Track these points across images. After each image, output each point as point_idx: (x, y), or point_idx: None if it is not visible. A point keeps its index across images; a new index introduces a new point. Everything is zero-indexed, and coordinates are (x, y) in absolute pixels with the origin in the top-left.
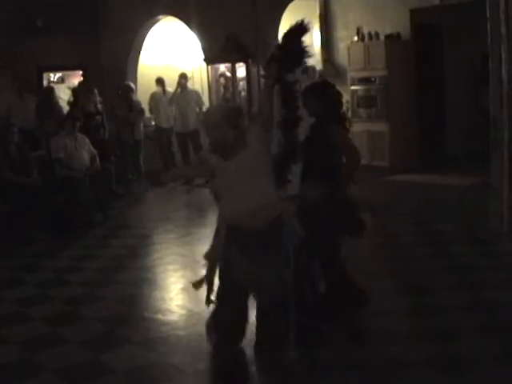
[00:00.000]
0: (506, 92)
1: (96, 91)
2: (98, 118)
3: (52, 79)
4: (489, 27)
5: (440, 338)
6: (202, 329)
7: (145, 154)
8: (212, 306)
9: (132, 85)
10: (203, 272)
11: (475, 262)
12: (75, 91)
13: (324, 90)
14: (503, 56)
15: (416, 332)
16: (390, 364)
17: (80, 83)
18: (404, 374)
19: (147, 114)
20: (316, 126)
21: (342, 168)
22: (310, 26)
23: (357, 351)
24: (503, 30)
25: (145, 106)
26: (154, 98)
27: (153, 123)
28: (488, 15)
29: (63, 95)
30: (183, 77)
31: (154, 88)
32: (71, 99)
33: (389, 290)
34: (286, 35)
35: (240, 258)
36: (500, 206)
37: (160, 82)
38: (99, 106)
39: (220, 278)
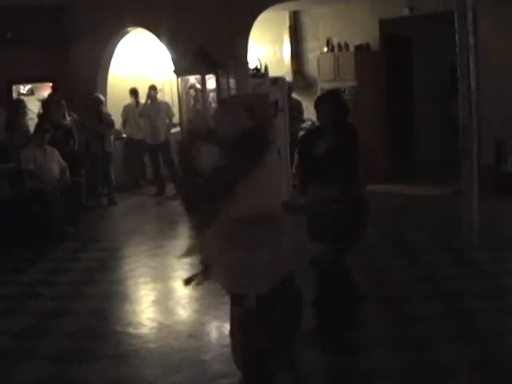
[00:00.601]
0: (474, 102)
1: (64, 103)
2: (66, 124)
3: (22, 91)
4: (457, 38)
5: (414, 347)
6: (173, 342)
7: (115, 166)
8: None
9: (102, 97)
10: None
11: (448, 270)
12: (44, 103)
13: (337, 98)
14: (471, 66)
15: (390, 341)
16: (364, 374)
17: (49, 95)
18: (379, 383)
19: (119, 126)
20: (337, 133)
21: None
22: None
23: (332, 362)
24: (471, 40)
25: (115, 117)
26: (126, 109)
27: (123, 135)
28: (456, 26)
29: (33, 107)
30: (153, 88)
31: (124, 99)
32: (41, 111)
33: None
34: None
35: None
36: (470, 215)
37: (133, 93)
38: (68, 118)
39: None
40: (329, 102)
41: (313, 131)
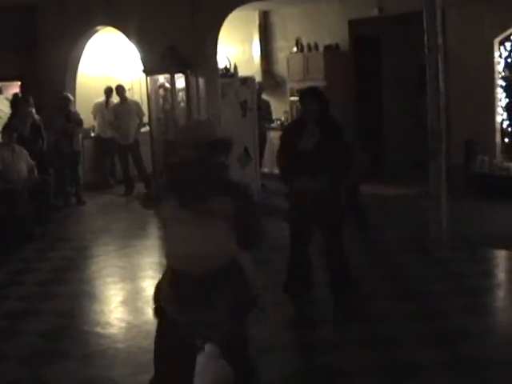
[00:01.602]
0: (443, 102)
1: (32, 102)
2: (36, 121)
3: None
4: (426, 38)
5: (382, 345)
6: (142, 341)
7: (84, 165)
8: None
9: (70, 96)
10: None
11: (416, 270)
12: (12, 102)
13: (321, 93)
14: (440, 67)
15: (357, 340)
16: (331, 372)
17: (15, 94)
18: (346, 380)
19: (88, 125)
20: (325, 127)
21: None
22: None
23: (299, 359)
24: (440, 40)
25: (84, 116)
26: (96, 107)
27: (92, 134)
28: (425, 26)
29: (1, 106)
30: (120, 88)
31: (93, 98)
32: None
33: (328, 300)
34: None
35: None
36: (439, 215)
37: (107, 91)
38: (36, 116)
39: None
40: (314, 96)
41: (296, 124)
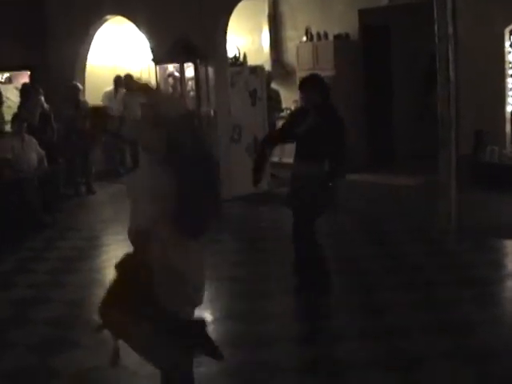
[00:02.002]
0: (453, 92)
1: (42, 91)
2: (45, 110)
3: None
4: (436, 27)
5: (388, 336)
6: None
7: (94, 155)
8: None
9: (79, 85)
10: None
11: (424, 260)
12: (22, 92)
13: (321, 81)
14: (450, 56)
15: (364, 331)
16: (337, 363)
17: (24, 84)
18: (352, 373)
19: None
20: (322, 114)
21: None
22: None
23: (304, 351)
24: (450, 30)
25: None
26: (105, 96)
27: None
28: (435, 16)
29: (10, 95)
30: (129, 77)
31: (102, 88)
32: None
33: (337, 290)
34: None
35: None
36: (448, 205)
37: (116, 80)
38: (45, 106)
39: None
40: (312, 83)
41: (300, 111)
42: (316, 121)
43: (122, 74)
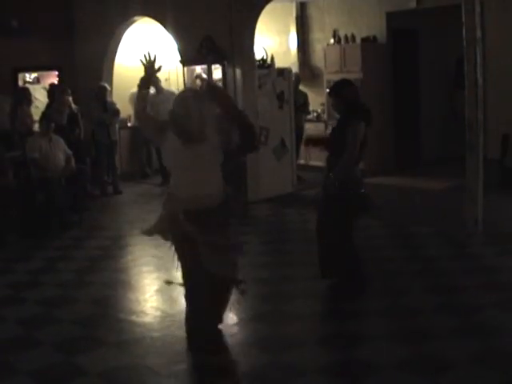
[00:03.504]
0: (480, 95)
1: (70, 92)
2: (73, 112)
3: (27, 79)
4: (464, 31)
5: (414, 339)
6: (177, 331)
7: (121, 155)
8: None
9: (107, 86)
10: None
11: (450, 264)
12: (49, 92)
13: (341, 88)
14: (478, 60)
15: (390, 333)
16: (363, 365)
17: (52, 84)
18: (377, 375)
19: (125, 114)
20: (340, 120)
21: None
22: None
23: (330, 353)
24: (478, 34)
25: (121, 106)
26: (133, 97)
27: (129, 124)
28: (463, 19)
29: (39, 95)
30: (155, 79)
31: (130, 89)
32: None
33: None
34: None
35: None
36: (475, 209)
37: None
38: (73, 106)
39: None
40: (334, 91)
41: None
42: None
43: None
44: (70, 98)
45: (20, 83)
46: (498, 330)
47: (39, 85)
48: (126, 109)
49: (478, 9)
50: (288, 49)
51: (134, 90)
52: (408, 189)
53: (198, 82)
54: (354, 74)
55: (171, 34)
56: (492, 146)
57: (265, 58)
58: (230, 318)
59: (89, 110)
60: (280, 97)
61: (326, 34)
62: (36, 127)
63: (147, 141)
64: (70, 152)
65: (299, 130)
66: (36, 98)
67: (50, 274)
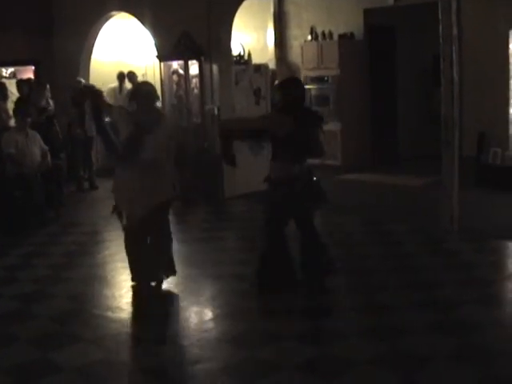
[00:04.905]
0: (456, 93)
1: (48, 86)
2: (50, 110)
3: (4, 74)
4: (440, 28)
5: (390, 335)
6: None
7: (97, 150)
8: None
9: (83, 80)
10: None
11: (426, 260)
12: (18, 86)
13: (285, 86)
14: (454, 57)
15: (366, 330)
16: (338, 361)
17: (27, 79)
18: (352, 371)
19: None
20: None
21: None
22: None
23: (305, 349)
24: (455, 31)
25: None
26: (109, 93)
27: (106, 119)
28: (440, 17)
29: (15, 90)
30: (132, 75)
31: (106, 84)
32: (17, 94)
33: (339, 289)
34: None
35: None
36: (451, 205)
37: (119, 77)
38: (50, 101)
39: None
40: (291, 86)
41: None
42: (295, 123)
43: (126, 70)
44: (48, 93)
45: None
46: (476, 325)
47: (15, 79)
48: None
49: (454, 6)
50: (265, 45)
51: (112, 85)
52: (385, 186)
53: (175, 77)
54: (331, 71)
55: (148, 29)
56: (468, 144)
57: (242, 53)
58: (206, 313)
59: (65, 106)
60: (257, 93)
61: (303, 30)
62: (12, 122)
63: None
64: (46, 147)
65: None
66: (12, 93)
67: (26, 270)
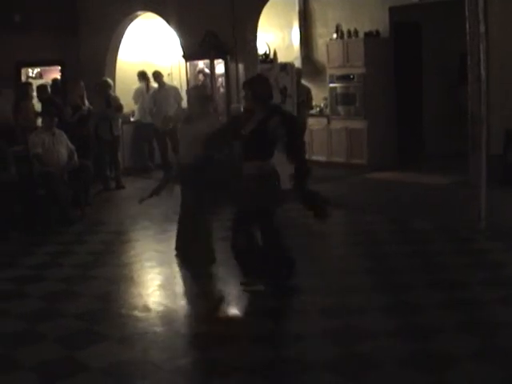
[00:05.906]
0: (484, 90)
1: (83, 84)
2: (85, 109)
3: (30, 74)
4: (467, 26)
5: (418, 335)
6: (179, 326)
7: (124, 150)
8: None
9: (110, 81)
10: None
11: (453, 260)
12: (53, 86)
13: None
14: (481, 54)
15: (394, 330)
16: (366, 361)
17: (54, 79)
18: (379, 372)
19: (128, 109)
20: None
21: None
22: None
23: (328, 349)
24: (482, 28)
25: (123, 101)
26: (137, 92)
27: (132, 119)
28: (467, 13)
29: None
30: (157, 74)
31: (132, 84)
32: (45, 95)
33: (366, 288)
34: None
35: None
36: (478, 204)
37: (142, 76)
38: (86, 102)
39: None
40: (260, 83)
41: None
42: (260, 121)
43: (152, 70)
44: (83, 91)
45: (23, 78)
46: (505, 325)
47: (42, 80)
48: (128, 104)
49: (481, 2)
50: (291, 43)
51: (138, 85)
52: (411, 184)
53: (201, 77)
54: (357, 69)
55: (174, 28)
56: (495, 142)
57: (267, 52)
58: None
59: (92, 105)
60: (283, 91)
61: (328, 28)
62: (39, 122)
63: (149, 136)
64: (72, 147)
65: (302, 125)
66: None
67: (53, 269)
